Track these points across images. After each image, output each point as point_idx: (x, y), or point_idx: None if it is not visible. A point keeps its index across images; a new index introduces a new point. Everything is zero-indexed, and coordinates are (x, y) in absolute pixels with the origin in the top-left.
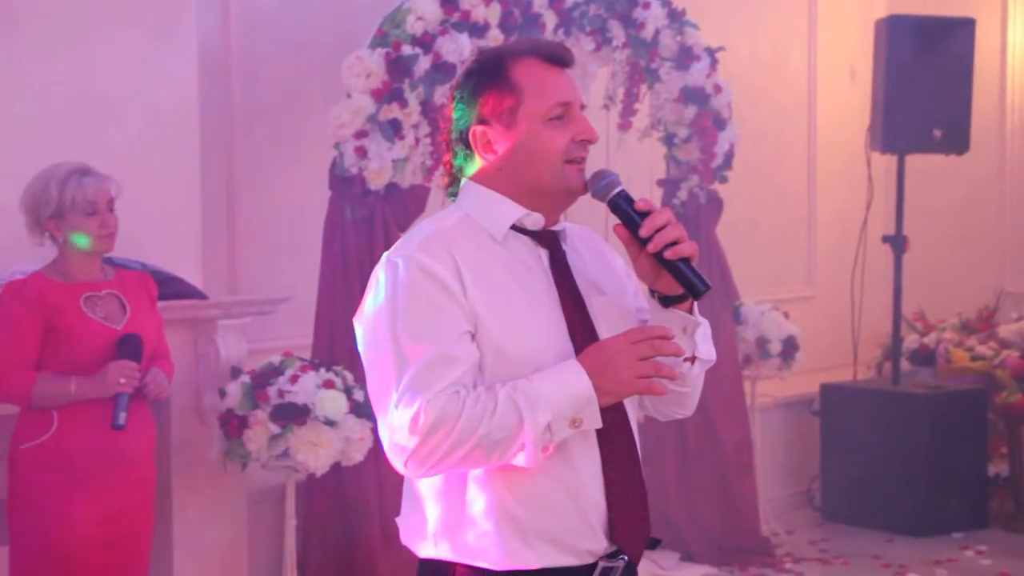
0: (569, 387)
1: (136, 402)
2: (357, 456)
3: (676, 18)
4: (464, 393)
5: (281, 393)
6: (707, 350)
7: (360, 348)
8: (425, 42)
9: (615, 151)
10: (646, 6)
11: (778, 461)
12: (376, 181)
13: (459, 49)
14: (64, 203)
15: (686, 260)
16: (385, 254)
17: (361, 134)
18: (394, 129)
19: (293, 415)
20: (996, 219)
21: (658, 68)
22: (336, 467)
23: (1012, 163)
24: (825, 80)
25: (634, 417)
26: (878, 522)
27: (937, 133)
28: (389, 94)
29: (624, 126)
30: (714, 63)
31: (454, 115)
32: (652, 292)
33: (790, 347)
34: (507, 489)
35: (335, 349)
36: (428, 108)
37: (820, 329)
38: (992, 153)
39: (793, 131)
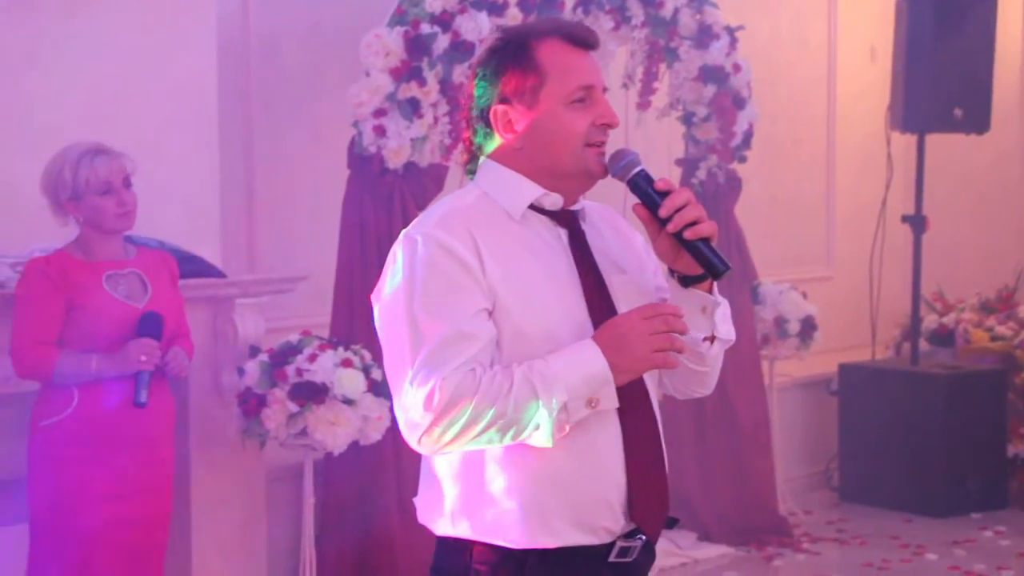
0: (585, 367)
1: (155, 381)
2: (375, 435)
3: None
4: (480, 371)
5: (299, 372)
6: (726, 330)
7: (377, 326)
8: (444, 20)
9: (634, 130)
10: None
11: (796, 441)
12: (395, 160)
13: (478, 28)
14: (79, 185)
15: (706, 240)
16: (404, 231)
17: (380, 112)
18: (413, 108)
19: (311, 394)
20: (1016, 199)
21: (677, 47)
22: (354, 446)
23: None
24: (845, 59)
25: (655, 395)
26: (896, 502)
27: (957, 112)
28: (408, 73)
29: (643, 105)
30: (733, 42)
31: (475, 92)
32: (672, 272)
33: (808, 327)
34: (526, 468)
35: (353, 328)
36: (447, 87)
37: (838, 309)
38: (1013, 132)
39: (812, 110)
